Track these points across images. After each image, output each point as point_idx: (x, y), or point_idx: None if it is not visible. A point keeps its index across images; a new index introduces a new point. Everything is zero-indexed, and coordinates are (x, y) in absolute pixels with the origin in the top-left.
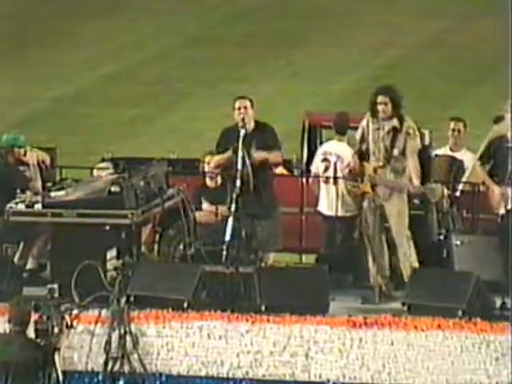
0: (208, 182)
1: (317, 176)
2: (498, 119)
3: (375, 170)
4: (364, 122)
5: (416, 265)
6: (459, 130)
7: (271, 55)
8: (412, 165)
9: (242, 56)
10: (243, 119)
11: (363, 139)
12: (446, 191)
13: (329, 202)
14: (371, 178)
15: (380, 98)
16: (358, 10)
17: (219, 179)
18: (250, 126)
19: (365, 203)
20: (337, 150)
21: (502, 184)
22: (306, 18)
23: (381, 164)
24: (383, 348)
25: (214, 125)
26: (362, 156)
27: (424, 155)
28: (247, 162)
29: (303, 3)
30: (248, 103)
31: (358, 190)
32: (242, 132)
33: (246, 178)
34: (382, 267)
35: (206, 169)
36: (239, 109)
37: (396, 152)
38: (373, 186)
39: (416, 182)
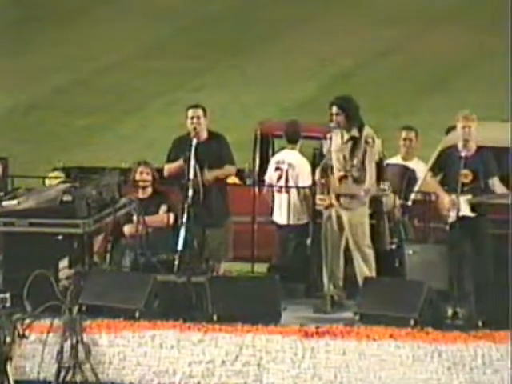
0: (140, 192)
1: (269, 185)
2: (450, 129)
3: (339, 181)
4: (329, 134)
5: (373, 274)
6: (411, 139)
7: (224, 65)
8: (368, 173)
9: (195, 66)
10: (195, 129)
11: (327, 151)
12: (397, 200)
13: (281, 211)
14: (336, 189)
15: (333, 109)
16: (312, 18)
17: (150, 190)
18: (203, 135)
19: (325, 213)
20: (289, 159)
21: (452, 193)
22: (260, 27)
23: (342, 174)
24: (335, 357)
25: (166, 134)
26: (325, 168)
27: (381, 167)
28: (198, 171)
29: (257, 13)
30: (201, 112)
31: (326, 203)
32: (194, 141)
33: (197, 188)
34: (336, 276)
35: (138, 178)
36: (192, 118)
37: (355, 161)
38: (337, 197)
39: (368, 186)
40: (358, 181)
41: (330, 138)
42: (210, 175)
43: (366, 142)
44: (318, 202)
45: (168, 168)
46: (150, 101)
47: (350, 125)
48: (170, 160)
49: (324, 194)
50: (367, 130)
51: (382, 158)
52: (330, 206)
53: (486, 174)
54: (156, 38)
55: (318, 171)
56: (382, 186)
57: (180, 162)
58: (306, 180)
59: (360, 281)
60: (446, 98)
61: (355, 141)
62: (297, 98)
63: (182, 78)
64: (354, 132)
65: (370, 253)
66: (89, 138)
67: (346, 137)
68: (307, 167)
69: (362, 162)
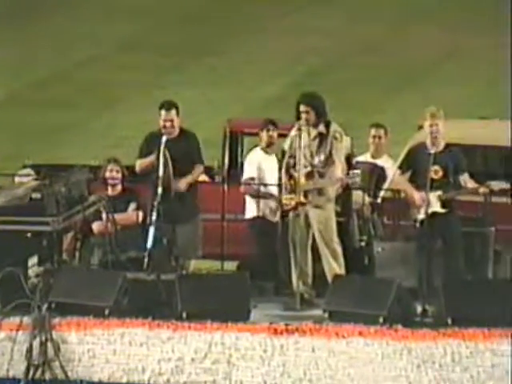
0: (109, 190)
1: (239, 183)
2: (422, 127)
3: (306, 177)
4: (293, 132)
5: (342, 271)
6: (380, 137)
7: (194, 62)
8: (340, 165)
9: (164, 63)
10: (167, 128)
11: (291, 149)
12: (367, 198)
13: (254, 208)
14: (303, 186)
15: (302, 107)
16: (282, 17)
17: (119, 187)
18: (174, 132)
19: (292, 210)
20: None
21: (421, 190)
22: (229, 24)
23: (309, 170)
24: (304, 355)
25: (136, 131)
26: (289, 166)
27: (350, 163)
28: (168, 168)
29: (227, 10)
30: (174, 114)
31: (293, 202)
32: (164, 139)
33: (166, 185)
34: (305, 274)
35: (107, 175)
36: (165, 121)
37: (323, 157)
38: (304, 194)
39: (340, 175)
40: (325, 177)
41: (298, 136)
42: (182, 184)
43: (335, 138)
44: (284, 201)
45: (140, 163)
46: (120, 98)
47: (317, 121)
48: (141, 155)
49: (291, 194)
50: (334, 126)
51: (351, 155)
52: (299, 204)
53: (456, 170)
54: (125, 35)
55: (283, 170)
56: (350, 173)
57: (152, 158)
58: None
59: (329, 278)
60: (415, 96)
61: (322, 137)
62: (266, 96)
63: (151, 75)
64: (321, 128)
65: (339, 249)
66: (58, 136)
67: (313, 133)
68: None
69: (329, 158)
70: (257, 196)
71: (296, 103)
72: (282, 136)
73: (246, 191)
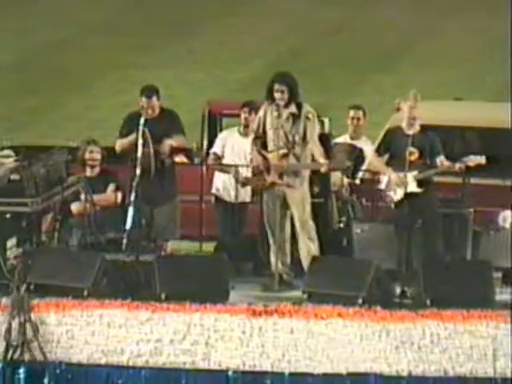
0: (88, 171)
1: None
2: (398, 109)
3: (280, 159)
4: (261, 112)
5: (315, 253)
6: (358, 118)
7: (171, 43)
8: (315, 148)
9: (142, 44)
10: (146, 112)
11: (259, 129)
12: (345, 179)
13: (230, 189)
14: (277, 168)
15: (277, 86)
16: None
17: (98, 168)
18: (155, 112)
19: (267, 191)
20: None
21: (398, 171)
22: (207, 5)
23: (284, 151)
24: (283, 336)
25: (114, 113)
26: (258, 146)
27: (325, 142)
28: (149, 149)
29: None
30: (155, 100)
31: (265, 183)
32: (142, 119)
33: (145, 166)
34: (283, 255)
35: (87, 157)
36: (146, 108)
37: (297, 138)
38: (279, 175)
39: (323, 159)
40: (299, 158)
41: (264, 115)
42: (165, 146)
43: (307, 118)
44: (257, 182)
45: (120, 144)
46: (97, 79)
47: (290, 101)
48: (121, 136)
49: (264, 174)
50: (306, 107)
51: (329, 136)
52: (272, 184)
53: (432, 152)
54: (103, 15)
55: (253, 150)
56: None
57: (131, 138)
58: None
59: (304, 259)
60: (393, 78)
61: (295, 118)
62: (244, 77)
63: (129, 56)
64: (293, 109)
65: (314, 231)
66: (35, 118)
67: (285, 114)
68: None
69: (303, 139)
70: (220, 171)
71: (269, 82)
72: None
73: (209, 164)
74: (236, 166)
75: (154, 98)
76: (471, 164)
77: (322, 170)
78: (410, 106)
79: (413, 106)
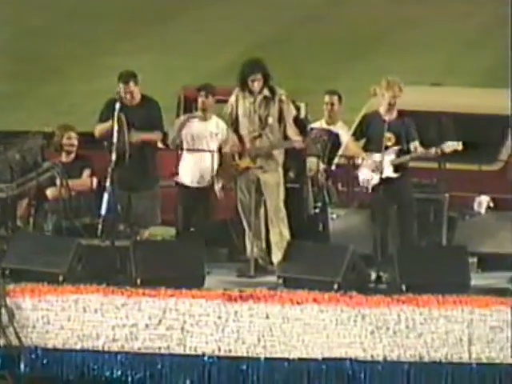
0: (63, 156)
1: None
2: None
3: (253, 141)
4: (233, 98)
5: (286, 238)
6: (333, 103)
7: (147, 30)
8: (290, 128)
9: (116, 30)
10: (125, 97)
11: (232, 116)
12: (321, 165)
13: (205, 174)
14: (251, 151)
15: (249, 74)
16: None
17: (73, 154)
18: (136, 99)
19: (241, 176)
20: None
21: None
22: None
23: (257, 134)
24: (258, 321)
25: (88, 99)
26: (235, 132)
27: (301, 127)
28: (124, 135)
29: None
30: (132, 86)
31: (239, 167)
32: (117, 105)
33: (121, 152)
34: (258, 240)
35: (65, 142)
36: (124, 93)
37: (271, 120)
38: (253, 158)
39: (298, 137)
40: (274, 140)
41: (236, 101)
42: (135, 136)
43: (281, 101)
44: (232, 166)
45: (99, 129)
46: (72, 66)
47: (263, 86)
48: (101, 121)
49: (239, 158)
50: (279, 90)
51: (305, 121)
52: (247, 169)
53: (408, 138)
54: (78, 2)
55: (229, 135)
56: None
57: (109, 124)
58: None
59: (275, 244)
60: (368, 64)
61: (268, 101)
62: (220, 64)
63: (103, 42)
64: (266, 92)
65: (285, 216)
66: (10, 103)
67: (258, 98)
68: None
69: (278, 121)
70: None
71: (240, 71)
72: (223, 102)
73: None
74: (210, 151)
75: (132, 84)
76: (447, 150)
77: (297, 145)
78: (387, 91)
79: (390, 92)
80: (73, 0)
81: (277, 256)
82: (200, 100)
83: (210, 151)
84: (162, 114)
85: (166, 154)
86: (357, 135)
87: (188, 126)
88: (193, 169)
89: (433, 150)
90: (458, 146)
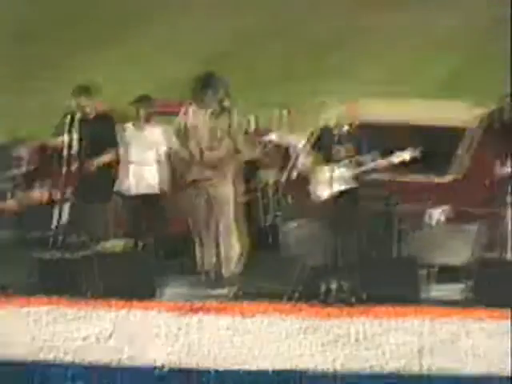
0: (15, 169)
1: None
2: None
3: (203, 154)
4: (183, 110)
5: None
6: (284, 116)
7: (103, 41)
8: (240, 141)
9: (72, 42)
10: (81, 111)
11: (183, 127)
12: (272, 177)
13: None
14: (201, 163)
15: (204, 88)
16: None
17: (25, 167)
18: (90, 113)
19: (191, 188)
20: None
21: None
22: (140, 2)
23: (207, 145)
24: (209, 334)
25: (41, 112)
26: (183, 143)
27: (251, 139)
28: (81, 148)
29: None
30: (85, 100)
31: (188, 180)
32: (72, 119)
33: (78, 165)
34: (210, 253)
35: (20, 155)
36: (78, 107)
37: (222, 133)
38: (203, 170)
39: (249, 150)
40: (225, 152)
41: (186, 113)
42: (92, 165)
43: (232, 114)
44: (181, 177)
45: (54, 142)
46: (27, 79)
47: (215, 99)
48: (56, 134)
49: (189, 169)
50: (231, 102)
51: (256, 134)
52: (196, 182)
53: (362, 151)
54: (33, 14)
55: (177, 147)
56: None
57: (65, 137)
58: None
59: (227, 257)
60: (323, 76)
61: (220, 113)
62: (175, 76)
63: (59, 54)
64: (218, 105)
65: (236, 228)
66: None
67: (209, 111)
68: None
69: (228, 133)
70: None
71: (194, 84)
72: (164, 113)
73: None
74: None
75: (84, 98)
76: (396, 160)
77: (248, 158)
78: (343, 106)
79: (345, 105)
80: (23, 10)
81: (228, 269)
82: (141, 111)
83: (157, 161)
84: (115, 130)
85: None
86: (310, 147)
87: (130, 137)
88: (135, 179)
89: (383, 162)
90: (407, 155)
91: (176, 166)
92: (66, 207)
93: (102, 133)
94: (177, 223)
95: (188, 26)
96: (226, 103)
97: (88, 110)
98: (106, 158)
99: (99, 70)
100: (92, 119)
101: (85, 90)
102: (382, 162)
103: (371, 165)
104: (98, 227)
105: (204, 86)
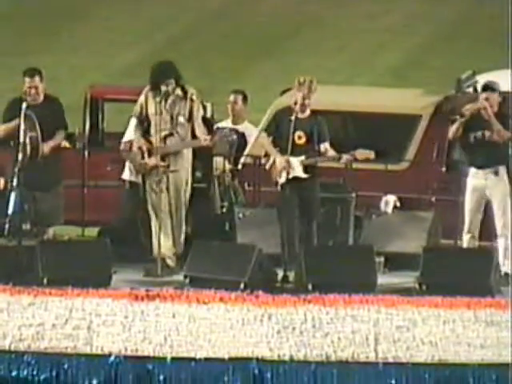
0: None
1: (100, 149)
2: (285, 92)
3: (163, 140)
4: (142, 98)
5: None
6: (237, 102)
7: (53, 28)
8: (199, 127)
9: (21, 29)
10: (31, 94)
11: (142, 114)
12: (227, 164)
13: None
14: (160, 150)
15: (163, 78)
16: None
17: None
18: (39, 98)
19: (151, 174)
20: None
21: (284, 154)
22: None
23: (167, 133)
24: (165, 321)
25: None
26: (143, 130)
27: (207, 126)
28: (34, 134)
29: None
30: (38, 81)
31: (147, 165)
32: (24, 105)
33: (28, 152)
34: (166, 239)
35: None
36: (29, 88)
37: (182, 119)
38: (163, 157)
39: (205, 136)
40: (184, 138)
41: (146, 101)
42: (46, 148)
43: (192, 100)
44: (140, 165)
45: (3, 129)
46: None
47: (175, 86)
48: (5, 121)
49: (149, 157)
50: (191, 89)
51: (211, 120)
52: (155, 167)
53: (318, 137)
54: None
55: (136, 134)
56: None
57: (15, 123)
58: None
59: (181, 243)
60: (278, 63)
61: (179, 100)
62: (126, 63)
63: (9, 42)
64: (178, 92)
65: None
66: None
67: (170, 98)
68: None
69: (188, 120)
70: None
71: (151, 74)
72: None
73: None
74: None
75: (37, 79)
76: (360, 157)
77: (204, 144)
78: (297, 89)
79: (300, 89)
80: None
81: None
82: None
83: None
84: (63, 111)
85: (70, 153)
86: (267, 131)
87: None
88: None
89: (344, 157)
90: (370, 154)
91: (134, 156)
92: (21, 194)
93: (51, 115)
94: (134, 209)
95: (137, 12)
96: (187, 89)
97: (39, 91)
98: (58, 139)
99: (48, 56)
100: (40, 104)
101: (38, 72)
102: (342, 156)
103: (331, 157)
104: (51, 213)
105: (164, 76)
